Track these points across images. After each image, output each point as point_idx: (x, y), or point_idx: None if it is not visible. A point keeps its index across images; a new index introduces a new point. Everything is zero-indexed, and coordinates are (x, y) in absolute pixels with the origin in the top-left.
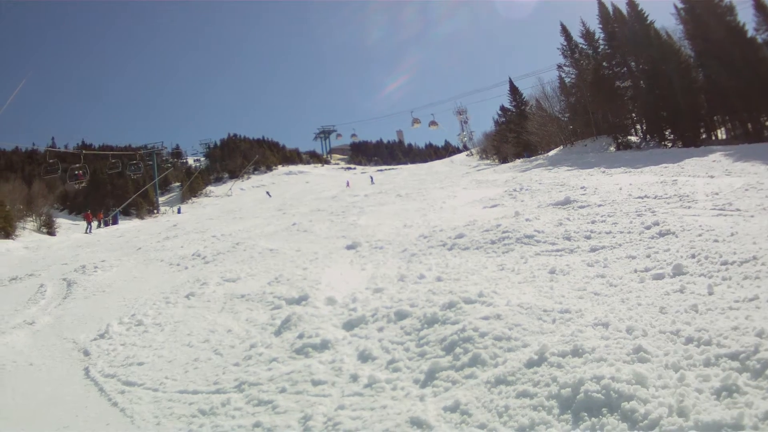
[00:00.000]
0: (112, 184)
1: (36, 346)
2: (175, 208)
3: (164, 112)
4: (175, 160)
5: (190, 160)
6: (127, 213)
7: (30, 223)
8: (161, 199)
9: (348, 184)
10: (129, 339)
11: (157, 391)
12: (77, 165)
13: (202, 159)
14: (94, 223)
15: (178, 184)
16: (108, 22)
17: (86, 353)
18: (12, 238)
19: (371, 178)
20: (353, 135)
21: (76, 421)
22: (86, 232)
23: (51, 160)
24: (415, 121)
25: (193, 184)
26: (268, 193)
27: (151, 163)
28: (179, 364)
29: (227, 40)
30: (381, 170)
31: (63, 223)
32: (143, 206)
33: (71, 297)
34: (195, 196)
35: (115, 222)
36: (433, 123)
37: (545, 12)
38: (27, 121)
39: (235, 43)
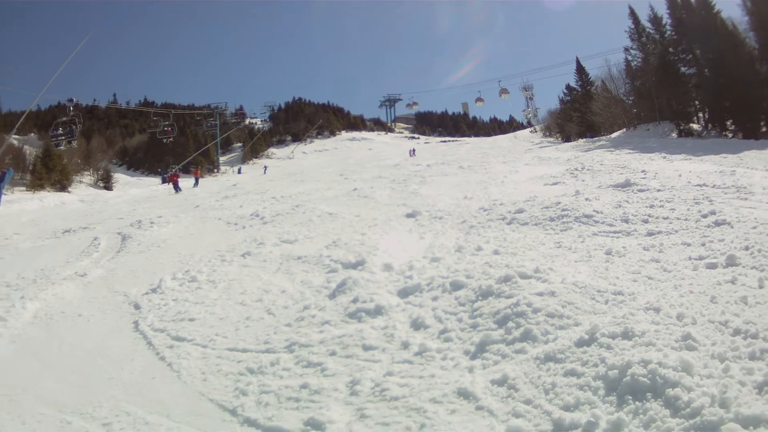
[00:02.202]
0: (173, 142)
1: (86, 298)
2: (236, 168)
3: (229, 73)
4: (239, 120)
5: (258, 122)
6: (186, 171)
7: (87, 177)
8: (222, 159)
9: (413, 153)
10: (181, 295)
11: (206, 347)
12: (167, 122)
13: (267, 120)
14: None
15: (240, 144)
16: None
17: (137, 307)
18: (68, 191)
19: (412, 150)
20: (414, 104)
21: (121, 374)
22: (194, 186)
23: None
24: (478, 99)
25: (255, 145)
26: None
27: (214, 122)
28: (231, 321)
29: (300, 5)
30: (444, 141)
31: (121, 178)
32: (204, 165)
33: (125, 251)
34: (256, 157)
35: None
36: (504, 91)
37: None
38: (89, 77)
39: (307, 8)
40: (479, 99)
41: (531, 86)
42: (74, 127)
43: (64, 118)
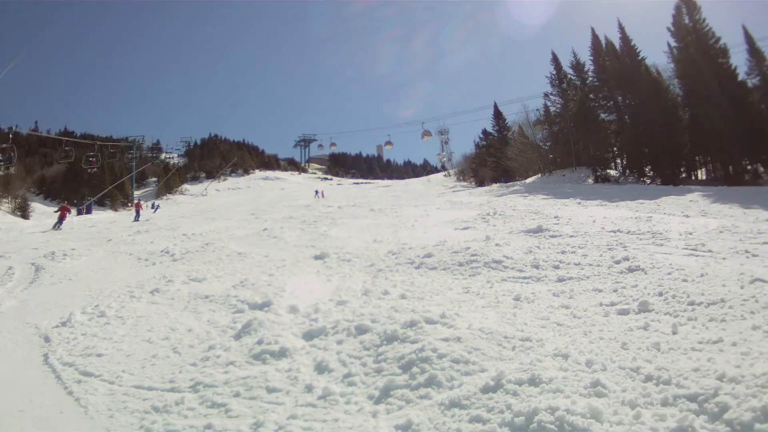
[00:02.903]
0: (90, 173)
1: None
2: (149, 203)
3: (147, 106)
4: (156, 155)
5: (174, 157)
6: (101, 204)
7: (5, 205)
8: (136, 193)
9: (322, 195)
10: (90, 329)
11: (113, 383)
12: (92, 153)
13: (183, 156)
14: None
15: (154, 179)
16: (100, 17)
17: (47, 340)
18: None
19: (321, 192)
20: (333, 144)
21: (30, 406)
22: (135, 221)
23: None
24: (387, 143)
25: (170, 181)
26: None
27: (133, 155)
28: (137, 359)
29: (220, 40)
30: (357, 183)
31: (37, 207)
32: (118, 198)
33: (38, 282)
34: (170, 193)
35: (88, 212)
36: (426, 133)
37: (541, 39)
38: (10, 102)
39: (228, 44)
40: (388, 143)
41: (447, 130)
42: (12, 154)
43: (4, 145)
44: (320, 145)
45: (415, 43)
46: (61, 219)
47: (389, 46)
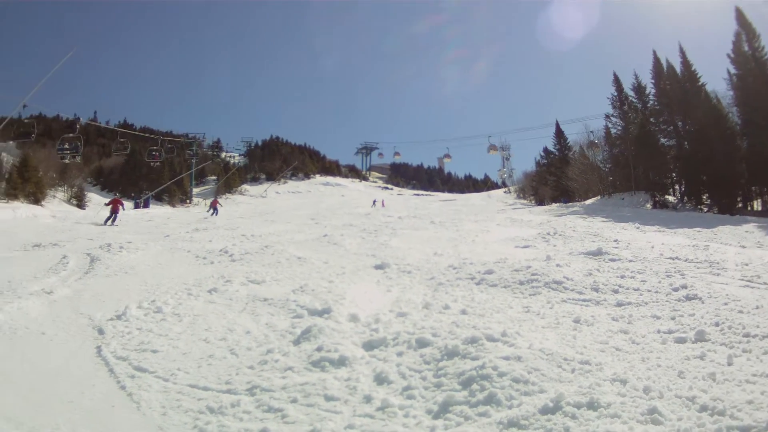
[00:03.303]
0: (149, 167)
1: (51, 316)
2: (208, 201)
3: (209, 104)
4: (217, 153)
5: (235, 156)
6: (158, 198)
7: (61, 193)
8: (195, 191)
9: (383, 204)
10: (146, 325)
11: (167, 381)
12: (155, 147)
13: (243, 155)
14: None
15: (214, 177)
16: (161, 11)
17: (101, 332)
18: (41, 205)
19: (374, 201)
20: (396, 153)
21: (81, 398)
22: (211, 214)
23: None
24: (446, 156)
25: (230, 181)
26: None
27: (193, 152)
28: (193, 357)
29: (281, 45)
30: (418, 194)
31: (94, 197)
32: (176, 194)
33: (93, 273)
34: (230, 193)
35: (146, 206)
36: (493, 147)
37: (594, 54)
38: (71, 92)
39: (292, 49)
40: (447, 155)
41: (508, 146)
42: (78, 143)
43: (71, 134)
44: (380, 154)
45: (478, 62)
46: (114, 212)
47: (452, 66)
